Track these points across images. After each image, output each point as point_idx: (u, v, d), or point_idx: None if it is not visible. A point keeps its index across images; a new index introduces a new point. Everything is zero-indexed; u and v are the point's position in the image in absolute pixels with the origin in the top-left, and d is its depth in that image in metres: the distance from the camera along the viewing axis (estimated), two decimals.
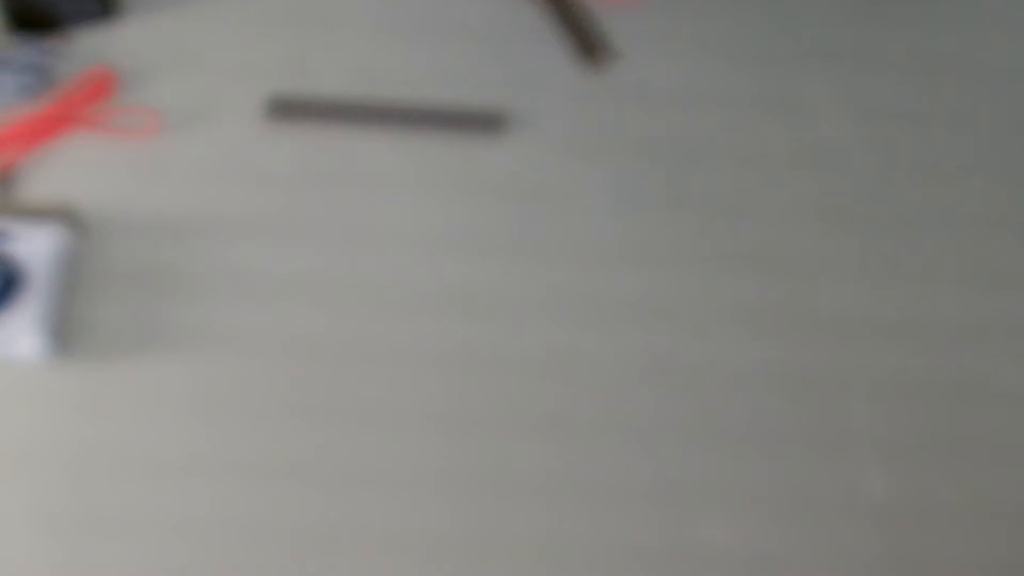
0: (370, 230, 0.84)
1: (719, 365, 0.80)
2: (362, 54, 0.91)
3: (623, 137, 0.86)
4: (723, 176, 0.85)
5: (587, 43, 0.87)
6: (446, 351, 0.81)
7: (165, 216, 0.85)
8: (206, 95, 0.89)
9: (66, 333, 0.81)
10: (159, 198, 0.85)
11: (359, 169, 0.87)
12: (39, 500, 0.77)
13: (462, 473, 0.77)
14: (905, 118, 0.87)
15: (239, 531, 0.76)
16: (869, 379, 0.79)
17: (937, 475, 0.77)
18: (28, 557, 0.75)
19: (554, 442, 0.78)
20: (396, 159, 0.87)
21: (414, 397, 0.79)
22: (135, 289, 0.82)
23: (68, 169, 0.86)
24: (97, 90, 0.88)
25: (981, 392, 0.79)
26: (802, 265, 0.82)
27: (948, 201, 0.84)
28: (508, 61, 0.89)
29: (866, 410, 0.78)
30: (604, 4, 0.79)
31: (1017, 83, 0.89)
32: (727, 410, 0.78)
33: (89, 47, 0.90)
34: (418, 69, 0.89)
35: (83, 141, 0.87)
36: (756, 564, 0.74)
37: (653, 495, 0.76)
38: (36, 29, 0.90)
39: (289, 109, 0.88)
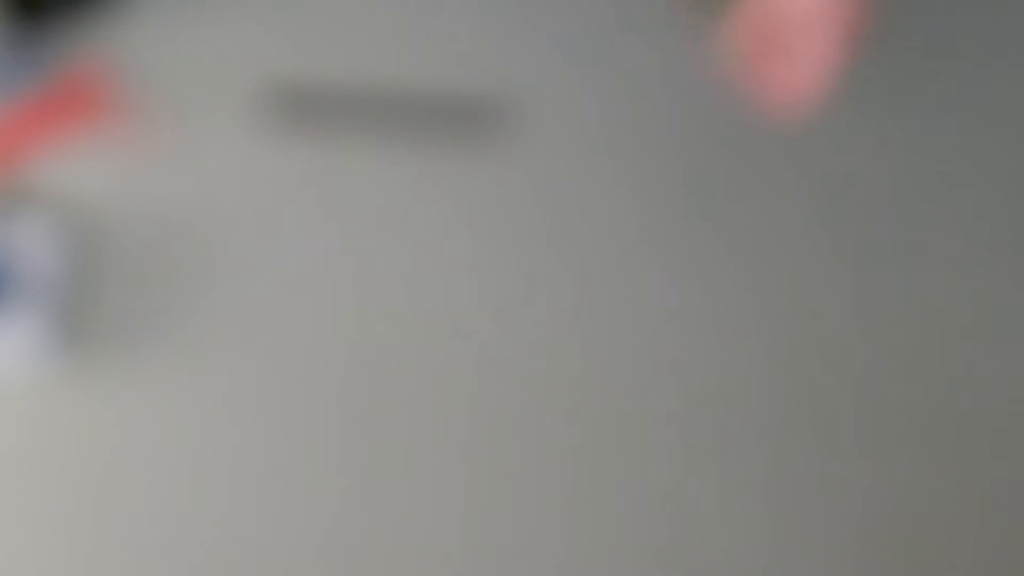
0: (377, 226, 0.84)
1: (721, 365, 0.80)
2: (372, 45, 0.91)
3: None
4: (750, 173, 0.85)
5: None
6: (458, 349, 0.80)
7: (168, 214, 0.85)
8: (207, 90, 0.89)
9: (67, 333, 0.81)
10: (161, 194, 0.85)
11: (364, 166, 0.86)
12: (41, 504, 0.77)
13: (472, 470, 0.77)
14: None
15: (250, 532, 0.76)
16: (873, 377, 0.79)
17: (939, 475, 0.77)
18: (32, 560, 0.75)
19: (567, 443, 0.78)
20: (402, 155, 0.87)
21: (425, 395, 0.79)
22: (139, 288, 0.82)
23: (69, 166, 0.86)
24: (98, 83, 0.88)
25: (986, 390, 0.79)
26: (803, 261, 0.82)
27: (953, 190, 0.84)
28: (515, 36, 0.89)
29: (869, 409, 0.78)
30: None
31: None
32: (728, 410, 0.78)
33: (90, 39, 0.90)
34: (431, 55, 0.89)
35: (83, 137, 0.87)
36: (756, 564, 0.74)
37: (654, 495, 0.76)
38: (35, 18, 0.89)
39: (293, 106, 0.88)
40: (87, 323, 0.81)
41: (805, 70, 0.74)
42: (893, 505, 0.76)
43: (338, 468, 0.77)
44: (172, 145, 0.87)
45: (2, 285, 0.79)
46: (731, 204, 0.84)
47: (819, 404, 0.79)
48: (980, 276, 0.82)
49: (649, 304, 0.82)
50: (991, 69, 0.88)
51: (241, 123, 0.88)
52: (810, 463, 0.77)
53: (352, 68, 0.90)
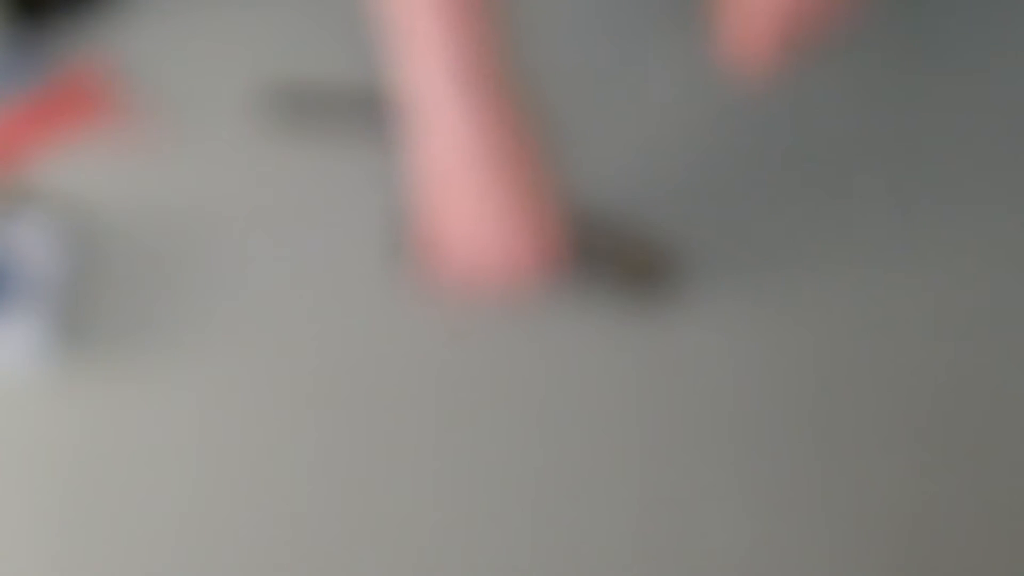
0: (375, 226, 0.84)
1: (721, 362, 0.80)
2: (370, 46, 0.91)
3: None
4: None
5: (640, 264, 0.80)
6: (457, 350, 0.81)
7: (167, 213, 0.85)
8: (206, 90, 0.89)
9: (67, 332, 0.81)
10: (160, 194, 0.85)
11: (362, 166, 0.86)
12: (41, 504, 0.77)
13: (463, 468, 0.77)
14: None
15: (248, 529, 0.76)
16: (874, 377, 0.79)
17: (941, 475, 0.77)
18: (31, 560, 0.75)
19: (555, 441, 0.78)
20: (399, 155, 0.87)
21: (424, 395, 0.79)
22: (138, 287, 0.82)
23: (69, 166, 0.86)
24: (98, 84, 0.88)
25: (988, 391, 0.79)
26: (807, 254, 0.82)
27: (963, 183, 0.84)
28: None
29: (870, 408, 0.78)
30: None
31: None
32: (727, 410, 0.78)
33: (90, 40, 0.90)
34: None
35: (83, 137, 0.87)
36: (756, 565, 0.74)
37: (652, 495, 0.76)
38: (35, 18, 0.90)
39: (291, 106, 0.88)
40: (87, 323, 0.82)
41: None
42: (893, 505, 0.76)
43: (337, 467, 0.77)
44: (171, 145, 0.87)
45: (2, 285, 0.79)
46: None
47: (818, 403, 0.79)
48: (981, 275, 0.82)
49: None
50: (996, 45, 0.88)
51: (239, 123, 0.88)
52: (809, 464, 0.77)
53: (350, 69, 0.90)
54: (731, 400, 0.79)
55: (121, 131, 0.87)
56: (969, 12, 0.90)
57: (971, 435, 0.78)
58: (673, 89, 0.87)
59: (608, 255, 0.81)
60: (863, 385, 0.79)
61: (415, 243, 0.81)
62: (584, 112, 0.87)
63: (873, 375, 0.80)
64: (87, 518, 0.76)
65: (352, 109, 0.88)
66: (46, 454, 0.78)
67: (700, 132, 0.86)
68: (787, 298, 0.81)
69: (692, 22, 0.90)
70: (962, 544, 0.75)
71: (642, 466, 0.77)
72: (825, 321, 0.81)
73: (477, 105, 0.71)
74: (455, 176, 0.73)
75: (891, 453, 0.78)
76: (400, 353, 0.80)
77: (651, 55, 0.89)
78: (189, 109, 0.88)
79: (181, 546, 0.76)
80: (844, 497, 0.77)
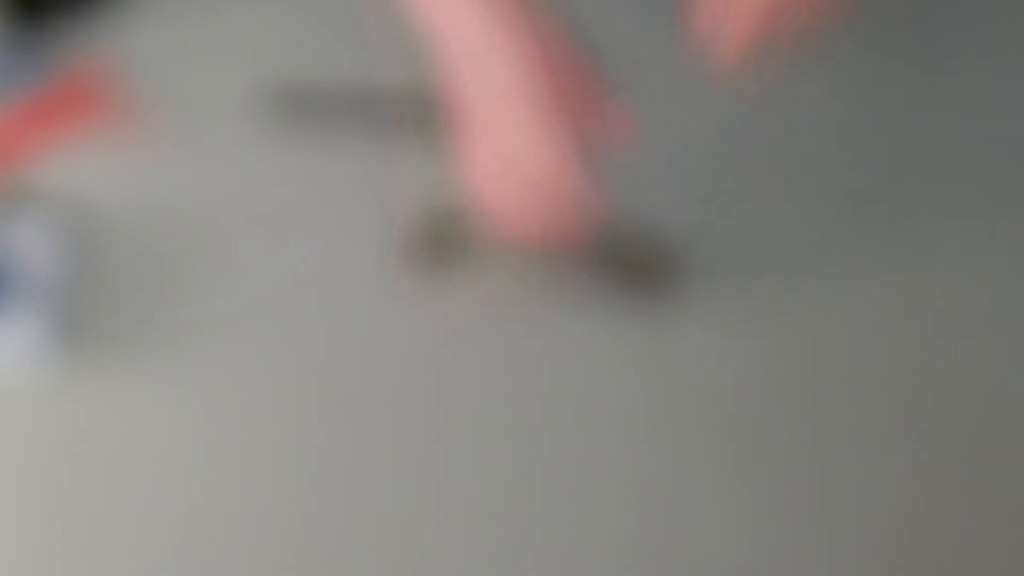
0: (375, 226, 0.84)
1: (721, 363, 0.80)
2: (370, 45, 0.91)
3: None
4: None
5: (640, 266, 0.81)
6: (456, 349, 0.81)
7: (167, 213, 0.85)
8: (206, 90, 0.89)
9: (67, 332, 0.81)
10: (160, 194, 0.85)
11: (362, 166, 0.86)
12: (41, 504, 0.77)
13: (464, 468, 0.77)
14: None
15: (245, 528, 0.76)
16: (874, 377, 0.79)
17: (941, 475, 0.77)
18: (31, 560, 0.75)
19: (556, 440, 0.78)
20: (399, 154, 0.87)
21: (423, 395, 0.79)
22: (138, 287, 0.82)
23: (69, 166, 0.86)
24: (98, 84, 0.88)
25: (988, 391, 0.79)
26: (807, 254, 0.82)
27: (958, 184, 0.84)
28: None
29: (870, 408, 0.78)
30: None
31: None
32: (727, 410, 0.78)
33: (90, 40, 0.90)
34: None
35: (83, 137, 0.87)
36: (756, 565, 0.74)
37: (653, 495, 0.76)
38: (35, 18, 0.90)
39: (291, 106, 0.88)
40: (87, 323, 0.82)
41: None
42: (893, 505, 0.76)
43: (338, 466, 0.77)
44: (171, 145, 0.87)
45: (2, 285, 0.79)
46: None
47: (818, 403, 0.79)
48: (981, 275, 0.82)
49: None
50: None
51: (239, 123, 0.88)
52: (809, 464, 0.77)
53: (350, 69, 0.90)
54: (731, 400, 0.79)
55: (121, 131, 0.87)
56: (969, 11, 0.90)
57: (971, 435, 0.78)
58: (672, 90, 0.87)
59: (610, 256, 0.81)
60: (863, 385, 0.79)
61: (414, 243, 0.81)
62: None
63: (873, 375, 0.80)
64: (87, 518, 0.76)
65: (352, 109, 0.88)
66: (46, 454, 0.78)
67: (700, 133, 0.86)
68: (787, 298, 0.81)
69: (692, 22, 0.90)
70: (962, 544, 0.75)
71: (642, 465, 0.77)
72: (825, 321, 0.81)
73: (519, 37, 0.69)
74: (499, 117, 0.71)
75: (891, 453, 0.77)
76: (400, 353, 0.80)
77: (650, 57, 0.89)
78: (189, 109, 0.88)
79: (181, 546, 0.76)
80: (844, 497, 0.77)
